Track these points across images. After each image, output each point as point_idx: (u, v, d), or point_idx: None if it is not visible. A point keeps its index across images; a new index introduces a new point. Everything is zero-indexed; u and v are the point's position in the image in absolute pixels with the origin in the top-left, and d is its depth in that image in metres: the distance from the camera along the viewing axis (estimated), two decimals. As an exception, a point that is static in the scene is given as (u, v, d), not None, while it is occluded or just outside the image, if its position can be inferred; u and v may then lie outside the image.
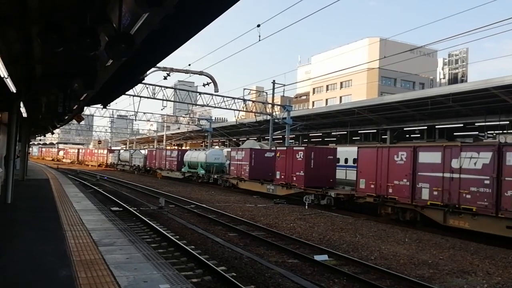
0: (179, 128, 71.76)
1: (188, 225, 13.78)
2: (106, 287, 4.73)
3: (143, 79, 11.69)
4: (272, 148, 28.45)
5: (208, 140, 50.48)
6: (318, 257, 9.76)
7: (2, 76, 7.31)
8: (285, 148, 23.59)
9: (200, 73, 27.08)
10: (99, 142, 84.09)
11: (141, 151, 55.12)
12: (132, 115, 46.08)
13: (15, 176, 13.26)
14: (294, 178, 21.14)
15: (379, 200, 15.98)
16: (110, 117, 57.83)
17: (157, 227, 12.55)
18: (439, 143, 19.14)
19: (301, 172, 20.64)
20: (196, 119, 59.06)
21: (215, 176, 31.61)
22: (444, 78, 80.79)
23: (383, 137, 37.22)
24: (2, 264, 5.50)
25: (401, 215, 15.37)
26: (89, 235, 7.74)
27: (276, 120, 36.32)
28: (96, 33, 5.20)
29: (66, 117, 19.94)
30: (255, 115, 37.86)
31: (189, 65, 25.85)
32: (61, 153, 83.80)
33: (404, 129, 34.60)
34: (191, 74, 27.50)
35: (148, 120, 52.84)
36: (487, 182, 12.53)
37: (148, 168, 46.12)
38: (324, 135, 45.40)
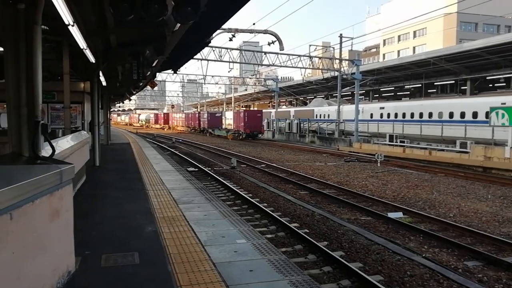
0: (246, 90, 72.27)
1: (260, 184, 14.14)
2: (188, 242, 5.06)
3: (210, 42, 11.81)
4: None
5: (275, 100, 50.33)
6: (392, 215, 9.57)
7: (82, 47, 7.79)
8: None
9: (265, 31, 26.67)
10: (172, 106, 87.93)
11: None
12: (201, 79, 47.23)
13: (101, 141, 14.38)
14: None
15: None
16: (180, 81, 60.02)
17: (231, 185, 13.04)
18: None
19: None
20: (263, 79, 58.89)
21: (146, 124, 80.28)
22: (536, 17, 71.68)
23: (462, 88, 34.48)
24: (98, 221, 6.09)
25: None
26: (169, 194, 8.25)
27: (344, 76, 35.04)
28: (163, -2, 5.29)
29: (141, 84, 21.03)
30: (322, 72, 36.80)
31: (254, 24, 25.57)
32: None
33: (487, 78, 31.68)
34: (256, 34, 27.21)
35: (216, 83, 53.80)
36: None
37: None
38: (397, 89, 43.16)
